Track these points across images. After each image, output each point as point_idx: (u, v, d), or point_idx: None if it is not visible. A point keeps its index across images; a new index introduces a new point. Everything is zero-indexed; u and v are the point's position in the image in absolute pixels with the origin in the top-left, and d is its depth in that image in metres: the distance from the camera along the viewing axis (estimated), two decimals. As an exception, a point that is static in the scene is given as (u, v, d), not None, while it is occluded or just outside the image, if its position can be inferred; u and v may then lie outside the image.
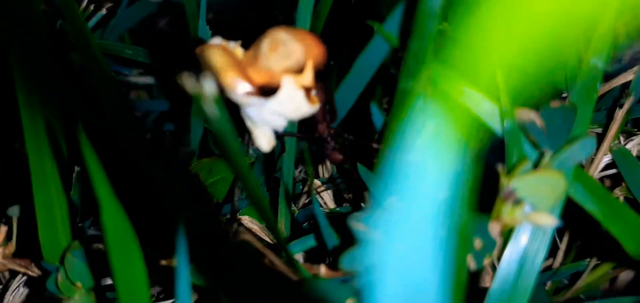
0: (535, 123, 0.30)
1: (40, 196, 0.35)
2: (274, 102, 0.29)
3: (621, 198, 0.41)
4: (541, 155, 0.30)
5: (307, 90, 0.30)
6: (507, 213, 0.29)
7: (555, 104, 0.30)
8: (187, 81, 0.23)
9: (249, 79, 0.28)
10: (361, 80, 0.41)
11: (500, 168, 0.29)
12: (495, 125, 0.31)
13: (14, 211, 0.38)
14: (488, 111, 0.31)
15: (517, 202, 0.29)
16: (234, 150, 0.25)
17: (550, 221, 0.29)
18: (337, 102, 0.41)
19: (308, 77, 0.30)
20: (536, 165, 0.30)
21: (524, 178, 0.29)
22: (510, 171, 0.30)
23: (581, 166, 0.41)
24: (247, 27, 0.62)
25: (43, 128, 0.34)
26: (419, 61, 0.30)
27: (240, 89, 0.28)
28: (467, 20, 0.19)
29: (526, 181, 0.29)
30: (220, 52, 0.29)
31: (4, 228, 0.38)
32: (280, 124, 0.31)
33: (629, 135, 0.42)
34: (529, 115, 0.30)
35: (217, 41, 0.30)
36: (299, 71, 0.30)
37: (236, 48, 0.30)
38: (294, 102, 0.30)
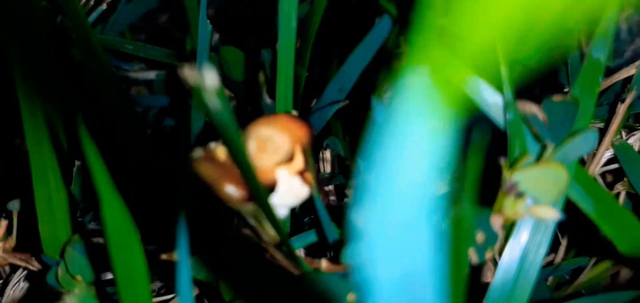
0: (538, 115, 0.30)
1: (41, 190, 0.35)
2: (275, 197, 0.30)
3: (623, 193, 0.41)
4: (543, 148, 0.30)
5: (301, 173, 0.30)
6: (509, 206, 0.29)
7: (557, 97, 0.30)
8: (189, 73, 0.23)
9: (244, 183, 0.29)
10: (364, 58, 0.41)
11: (502, 161, 0.29)
12: (498, 117, 0.31)
13: (14, 206, 0.38)
14: (491, 102, 0.31)
15: (519, 195, 0.29)
16: (235, 143, 0.25)
17: (552, 214, 0.29)
18: (342, 78, 0.41)
19: (300, 162, 0.31)
20: (538, 158, 0.30)
21: (526, 171, 0.29)
22: (512, 164, 0.30)
23: (582, 161, 0.41)
24: (247, 22, 0.62)
25: (43, 122, 0.34)
26: (420, 49, 0.30)
27: (238, 196, 0.28)
28: (468, 12, 0.19)
29: (528, 175, 0.28)
30: (209, 163, 0.30)
31: (4, 223, 0.38)
32: (283, 213, 0.31)
33: (631, 130, 0.42)
34: (531, 108, 0.30)
35: (199, 152, 0.30)
36: (290, 158, 0.31)
37: (218, 148, 0.31)
38: (293, 191, 0.30)
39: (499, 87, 0.31)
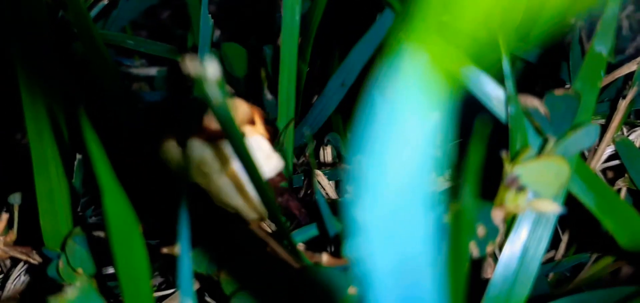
0: (539, 109, 0.30)
1: (42, 183, 0.35)
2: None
3: (624, 189, 0.41)
4: (545, 142, 0.30)
5: (270, 142, 0.32)
6: (510, 200, 0.29)
7: (559, 91, 0.30)
8: (191, 64, 0.23)
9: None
10: (366, 53, 0.41)
11: (503, 154, 0.29)
12: (500, 110, 0.31)
13: (15, 199, 0.38)
14: (493, 95, 0.31)
15: (521, 189, 0.29)
16: (235, 134, 0.25)
17: (553, 208, 0.29)
18: (344, 72, 0.41)
19: (260, 125, 0.32)
20: (540, 152, 0.30)
21: (528, 164, 0.29)
22: (513, 158, 0.30)
23: (583, 158, 0.41)
24: (247, 19, 0.62)
25: (45, 116, 0.34)
26: (420, 40, 0.30)
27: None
28: (470, 6, 0.19)
29: (530, 168, 0.28)
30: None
31: (5, 216, 0.38)
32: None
33: (632, 126, 0.42)
34: (533, 102, 0.30)
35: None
36: (251, 122, 0.33)
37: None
38: (262, 150, 0.32)
39: (501, 81, 0.31)
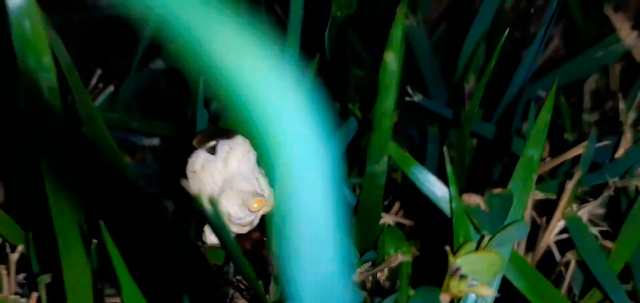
0: (480, 207, 0.35)
1: (68, 270, 0.39)
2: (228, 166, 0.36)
3: (573, 262, 0.45)
4: (482, 237, 0.36)
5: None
6: (454, 286, 0.34)
7: (496, 191, 0.35)
8: (187, 186, 0.28)
9: None
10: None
11: (447, 248, 0.35)
12: (446, 208, 0.37)
13: (44, 279, 0.42)
14: (440, 195, 0.37)
15: (462, 277, 0.34)
16: (229, 241, 0.30)
17: (489, 293, 0.34)
18: None
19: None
20: (479, 245, 0.36)
21: (467, 257, 0.34)
22: (456, 251, 0.35)
23: (537, 231, 0.46)
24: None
25: (68, 209, 0.39)
26: (379, 150, 0.35)
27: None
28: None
29: (469, 260, 0.34)
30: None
31: (35, 295, 0.42)
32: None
33: (582, 202, 0.47)
34: (475, 199, 0.36)
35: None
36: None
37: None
38: (241, 163, 0.36)
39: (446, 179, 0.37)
